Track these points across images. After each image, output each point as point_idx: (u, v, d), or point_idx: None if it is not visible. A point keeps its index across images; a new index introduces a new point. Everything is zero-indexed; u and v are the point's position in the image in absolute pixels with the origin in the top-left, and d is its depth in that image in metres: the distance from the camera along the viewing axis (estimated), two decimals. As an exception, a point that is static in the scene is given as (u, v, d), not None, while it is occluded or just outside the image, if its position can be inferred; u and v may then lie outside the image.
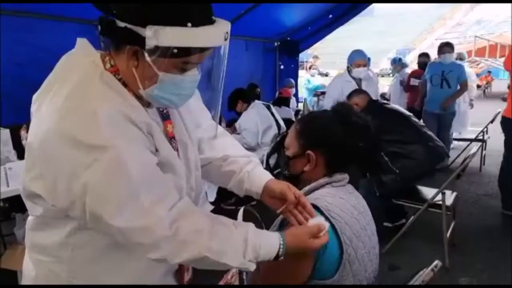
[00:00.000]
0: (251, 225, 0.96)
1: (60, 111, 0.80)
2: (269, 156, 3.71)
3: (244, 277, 1.23)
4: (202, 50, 0.85)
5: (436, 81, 4.98)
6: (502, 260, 2.87)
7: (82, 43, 0.92)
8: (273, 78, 6.68)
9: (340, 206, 1.08)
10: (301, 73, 8.30)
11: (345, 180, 1.19)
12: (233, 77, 3.72)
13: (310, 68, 8.50)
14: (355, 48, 4.19)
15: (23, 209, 2.52)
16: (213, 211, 3.53)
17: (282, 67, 6.77)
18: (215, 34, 0.84)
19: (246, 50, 5.94)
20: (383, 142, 2.78)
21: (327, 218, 1.02)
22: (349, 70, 3.97)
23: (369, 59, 4.26)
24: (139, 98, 0.90)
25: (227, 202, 3.72)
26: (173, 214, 0.84)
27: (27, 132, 2.80)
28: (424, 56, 6.28)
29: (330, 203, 1.07)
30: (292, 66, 6.87)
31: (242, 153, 1.21)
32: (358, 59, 3.92)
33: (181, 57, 0.83)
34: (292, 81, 6.46)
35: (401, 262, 2.81)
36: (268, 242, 0.92)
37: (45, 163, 0.82)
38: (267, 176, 1.13)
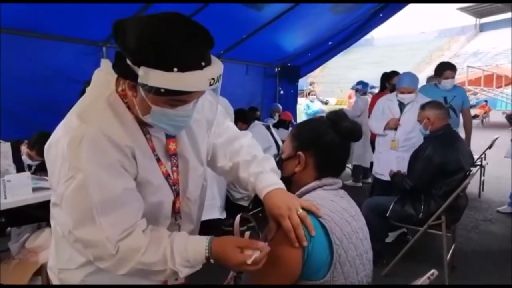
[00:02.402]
0: (181, 233, 1.05)
1: (65, 127, 0.99)
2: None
3: (242, 276, 1.21)
4: (188, 92, 0.92)
5: None
6: (502, 284, 2.83)
7: (105, 63, 1.06)
8: (273, 102, 6.75)
9: (330, 207, 1.09)
10: (301, 100, 8.41)
11: (337, 185, 1.20)
12: (232, 99, 3.79)
13: (309, 94, 8.60)
14: (355, 77, 4.14)
15: (18, 222, 2.51)
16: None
17: (281, 92, 6.87)
18: (199, 80, 0.90)
19: (246, 74, 6.05)
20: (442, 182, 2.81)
21: (315, 218, 1.03)
22: (396, 94, 3.73)
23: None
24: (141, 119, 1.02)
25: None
26: (121, 236, 0.96)
27: (27, 147, 2.83)
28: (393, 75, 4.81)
29: (320, 204, 1.08)
30: (292, 91, 6.97)
31: (253, 155, 1.23)
32: (403, 86, 3.61)
33: (168, 96, 0.92)
34: (279, 106, 6.49)
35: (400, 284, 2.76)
36: (194, 245, 1.00)
37: (47, 163, 1.03)
38: (269, 185, 1.12)
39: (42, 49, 3.55)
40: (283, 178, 1.19)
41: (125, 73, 0.94)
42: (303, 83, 9.57)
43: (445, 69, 4.06)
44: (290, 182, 1.21)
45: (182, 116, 1.00)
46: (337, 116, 1.21)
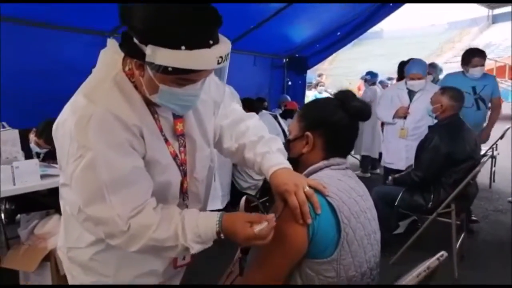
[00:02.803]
0: (192, 210, 1.06)
1: (72, 107, 0.99)
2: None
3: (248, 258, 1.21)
4: (196, 70, 0.91)
5: (468, 101, 3.52)
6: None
7: (112, 42, 1.05)
8: (281, 93, 6.71)
9: (337, 186, 1.07)
10: (308, 93, 8.34)
11: (345, 165, 1.19)
12: (240, 90, 3.76)
13: (317, 85, 8.55)
14: (364, 70, 4.06)
15: (27, 210, 2.53)
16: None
17: (289, 83, 6.82)
18: (207, 58, 0.90)
19: (254, 65, 6.01)
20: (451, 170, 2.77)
21: (323, 197, 1.02)
22: (405, 82, 3.67)
23: (435, 66, 3.90)
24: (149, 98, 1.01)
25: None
26: (132, 213, 0.97)
27: (35, 136, 2.84)
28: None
29: (327, 183, 1.06)
30: (300, 82, 6.92)
31: (259, 136, 1.22)
32: (413, 72, 3.56)
33: (176, 75, 0.91)
34: (287, 97, 6.44)
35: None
36: (205, 221, 1.00)
37: (56, 144, 1.03)
38: (276, 165, 1.12)
39: (49, 39, 3.55)
40: (290, 159, 1.18)
41: (132, 52, 0.93)
42: (311, 75, 9.50)
43: (473, 56, 3.68)
44: (297, 163, 1.20)
45: (190, 96, 0.99)
46: (345, 96, 1.19)
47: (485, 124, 3.87)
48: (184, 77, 0.93)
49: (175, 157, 1.11)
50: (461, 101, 2.99)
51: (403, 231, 3.42)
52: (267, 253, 1.04)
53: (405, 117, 3.60)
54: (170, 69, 0.88)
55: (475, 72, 3.65)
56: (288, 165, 1.13)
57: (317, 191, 1.03)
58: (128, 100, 1.00)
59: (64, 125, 0.97)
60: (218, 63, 0.91)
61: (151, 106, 1.05)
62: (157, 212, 1.00)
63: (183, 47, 0.86)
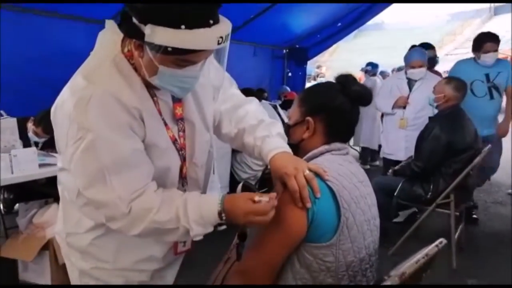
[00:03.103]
0: (193, 192, 1.05)
1: (71, 88, 0.97)
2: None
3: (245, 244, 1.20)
4: (196, 50, 0.89)
5: (481, 90, 3.41)
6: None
7: (110, 23, 1.03)
8: (281, 85, 6.68)
9: (338, 171, 1.06)
10: (308, 85, 8.31)
11: (345, 150, 1.17)
12: (240, 81, 3.72)
13: (317, 76, 8.52)
14: (364, 62, 4.01)
15: (26, 199, 2.53)
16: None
17: (290, 74, 6.79)
18: (207, 38, 0.88)
19: (254, 55, 5.97)
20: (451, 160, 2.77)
21: (323, 182, 1.01)
22: (405, 71, 3.63)
23: (433, 58, 3.84)
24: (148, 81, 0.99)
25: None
26: (133, 196, 0.96)
27: (33, 124, 2.83)
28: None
29: (328, 167, 1.05)
30: (300, 73, 6.88)
31: (259, 120, 1.21)
32: (413, 60, 3.49)
33: (176, 55, 0.90)
34: (287, 88, 6.42)
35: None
36: (207, 201, 1.00)
37: (54, 127, 1.02)
38: (275, 148, 1.11)
39: (49, 28, 3.52)
40: (290, 145, 1.17)
41: (131, 32, 0.91)
42: (310, 68, 9.45)
43: (485, 41, 3.38)
44: (297, 149, 1.19)
45: (189, 77, 0.98)
46: (346, 80, 1.17)
47: (499, 116, 3.63)
48: (184, 57, 0.91)
49: (174, 141, 1.09)
50: (464, 91, 2.97)
51: (402, 220, 3.41)
52: (266, 236, 1.04)
53: (404, 107, 3.58)
54: (169, 49, 0.87)
55: (487, 58, 3.37)
56: (288, 149, 1.12)
57: (317, 175, 1.02)
58: (128, 82, 0.99)
59: (63, 106, 0.96)
60: (219, 43, 0.90)
61: (150, 89, 1.03)
62: (158, 195, 0.99)
63: (183, 26, 0.85)
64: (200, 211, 0.97)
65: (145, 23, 0.87)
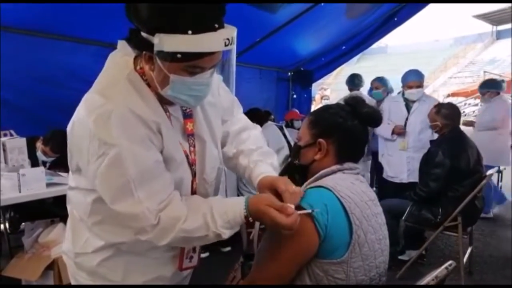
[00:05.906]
0: (216, 198, 1.09)
1: (89, 106, 0.98)
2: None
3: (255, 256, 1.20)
4: (204, 55, 0.92)
5: None
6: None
7: (122, 44, 1.05)
8: (286, 107, 6.73)
9: (350, 189, 1.07)
10: (313, 107, 8.37)
11: (357, 170, 1.19)
12: (246, 103, 3.75)
13: (322, 98, 8.58)
14: (369, 84, 4.01)
15: (32, 218, 2.54)
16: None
17: (295, 96, 6.84)
18: (214, 40, 0.91)
19: (260, 78, 6.04)
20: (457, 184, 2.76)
21: (336, 198, 1.02)
22: (402, 93, 3.68)
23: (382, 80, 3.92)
24: (161, 96, 1.02)
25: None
26: (160, 206, 0.98)
27: (42, 144, 2.86)
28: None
29: (340, 185, 1.06)
30: (305, 96, 6.94)
31: (258, 146, 1.25)
32: (411, 80, 3.54)
33: (186, 61, 0.92)
34: (296, 110, 6.44)
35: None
36: (233, 206, 1.02)
37: (73, 145, 1.03)
38: (266, 172, 1.14)
39: (58, 50, 3.60)
40: (300, 166, 1.20)
41: (141, 45, 0.94)
42: (314, 90, 9.52)
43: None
44: (307, 170, 1.20)
45: (201, 85, 1.00)
46: (356, 101, 1.20)
47: None
48: (193, 63, 0.93)
49: (187, 156, 1.11)
50: (456, 116, 3.00)
51: (408, 259, 3.28)
52: (276, 249, 1.04)
53: (403, 134, 3.58)
54: (179, 55, 0.89)
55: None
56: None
57: (329, 189, 1.04)
58: (143, 97, 1.01)
59: (81, 124, 0.97)
60: (225, 45, 0.92)
61: (163, 105, 1.06)
62: (184, 204, 1.01)
63: (189, 32, 0.87)
64: (227, 217, 1.00)
65: (153, 33, 0.89)
